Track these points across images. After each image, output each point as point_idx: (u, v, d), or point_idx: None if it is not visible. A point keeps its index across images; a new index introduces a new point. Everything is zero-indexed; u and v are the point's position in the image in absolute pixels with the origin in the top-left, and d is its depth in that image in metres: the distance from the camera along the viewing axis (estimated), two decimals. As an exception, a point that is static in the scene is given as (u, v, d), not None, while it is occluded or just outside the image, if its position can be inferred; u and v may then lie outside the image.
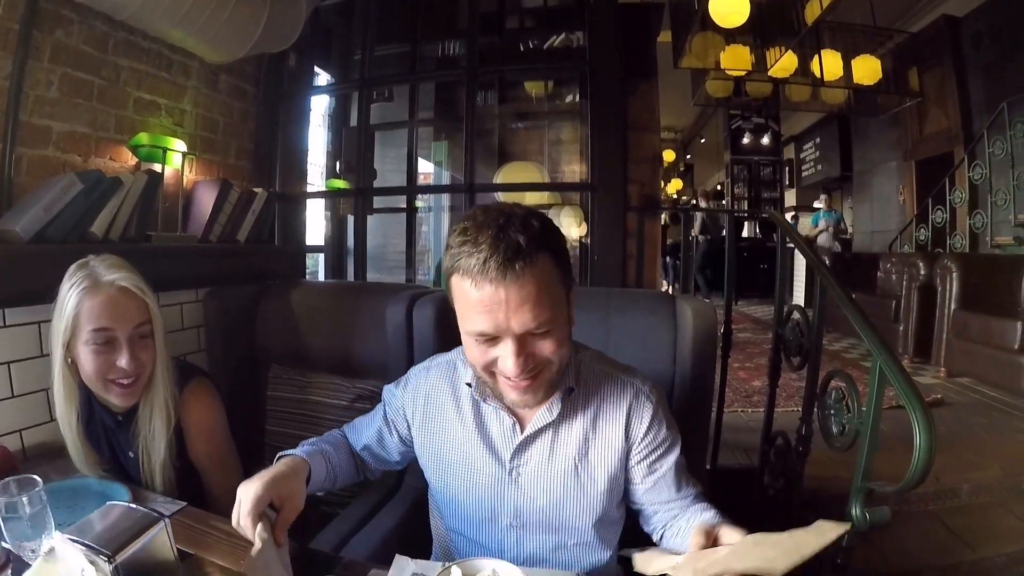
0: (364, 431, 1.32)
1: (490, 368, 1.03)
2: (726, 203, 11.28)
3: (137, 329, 1.35)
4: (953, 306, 4.45)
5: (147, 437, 1.40)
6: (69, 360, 1.34)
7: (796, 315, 2.17)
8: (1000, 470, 2.81)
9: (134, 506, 0.89)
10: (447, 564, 0.91)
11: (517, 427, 1.17)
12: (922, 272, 4.88)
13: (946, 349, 4.49)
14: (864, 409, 1.63)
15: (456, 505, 1.24)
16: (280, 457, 1.14)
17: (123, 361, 1.32)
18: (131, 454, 1.44)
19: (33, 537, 0.95)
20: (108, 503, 0.89)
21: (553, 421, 1.14)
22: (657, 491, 1.18)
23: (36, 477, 0.97)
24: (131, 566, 0.79)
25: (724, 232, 7.85)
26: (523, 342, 0.98)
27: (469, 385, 1.17)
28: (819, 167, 10.29)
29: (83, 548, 0.78)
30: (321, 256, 3.09)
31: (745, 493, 2.42)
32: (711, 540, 0.88)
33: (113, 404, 1.41)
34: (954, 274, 4.47)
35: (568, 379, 1.14)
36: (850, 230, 9.14)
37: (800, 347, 2.10)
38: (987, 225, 5.29)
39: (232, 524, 0.97)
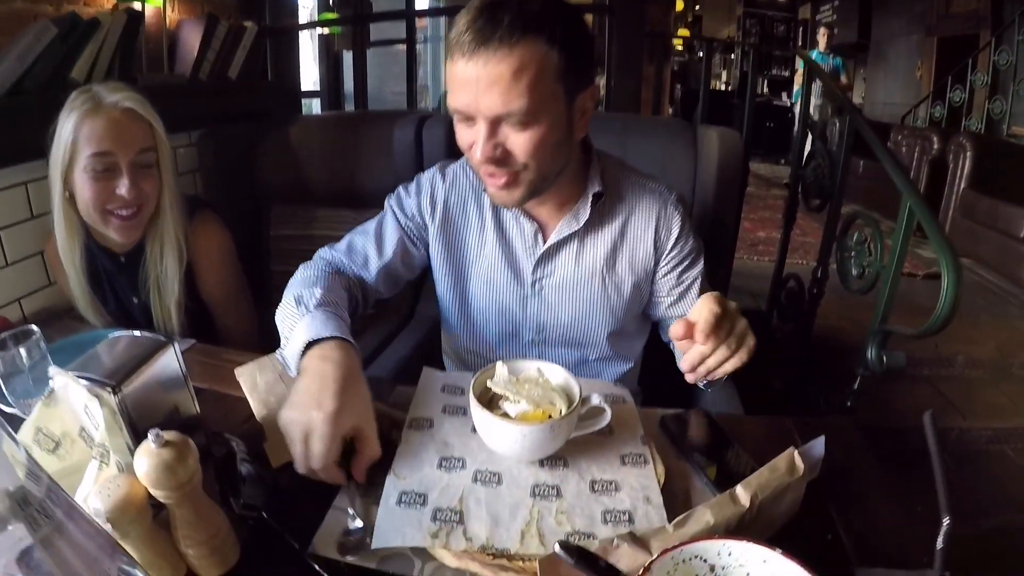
0: (375, 253, 1.15)
1: (471, 153, 0.95)
2: (735, 58, 10.89)
3: (140, 155, 1.25)
4: (963, 185, 4.38)
5: (159, 276, 1.34)
6: (67, 193, 1.24)
7: (818, 157, 2.08)
8: (995, 349, 2.87)
9: (139, 333, 0.81)
10: (488, 366, 0.86)
11: (540, 236, 1.11)
12: (935, 147, 4.76)
13: (950, 227, 4.44)
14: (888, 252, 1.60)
15: (474, 321, 1.20)
16: (311, 345, 0.87)
17: (123, 189, 1.23)
18: (136, 299, 1.38)
19: (36, 394, 0.88)
20: (112, 334, 0.82)
21: (579, 230, 1.09)
22: (680, 305, 1.15)
23: (33, 327, 0.90)
24: (138, 396, 0.73)
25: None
26: (494, 128, 0.91)
27: (495, 202, 1.10)
28: (835, 31, 9.85)
29: (85, 383, 0.70)
30: (316, 102, 2.92)
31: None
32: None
33: (113, 242, 1.33)
34: (968, 153, 4.36)
35: (594, 184, 1.07)
36: (858, 99, 8.61)
37: (821, 188, 2.03)
38: (1006, 113, 5.16)
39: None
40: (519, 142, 0.92)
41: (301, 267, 1.11)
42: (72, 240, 1.29)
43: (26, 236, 1.46)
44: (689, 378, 0.85)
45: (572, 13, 0.93)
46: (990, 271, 4.03)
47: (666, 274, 1.13)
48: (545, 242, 1.11)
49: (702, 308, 0.79)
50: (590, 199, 1.07)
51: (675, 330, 0.80)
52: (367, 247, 1.16)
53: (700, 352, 0.81)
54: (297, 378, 0.84)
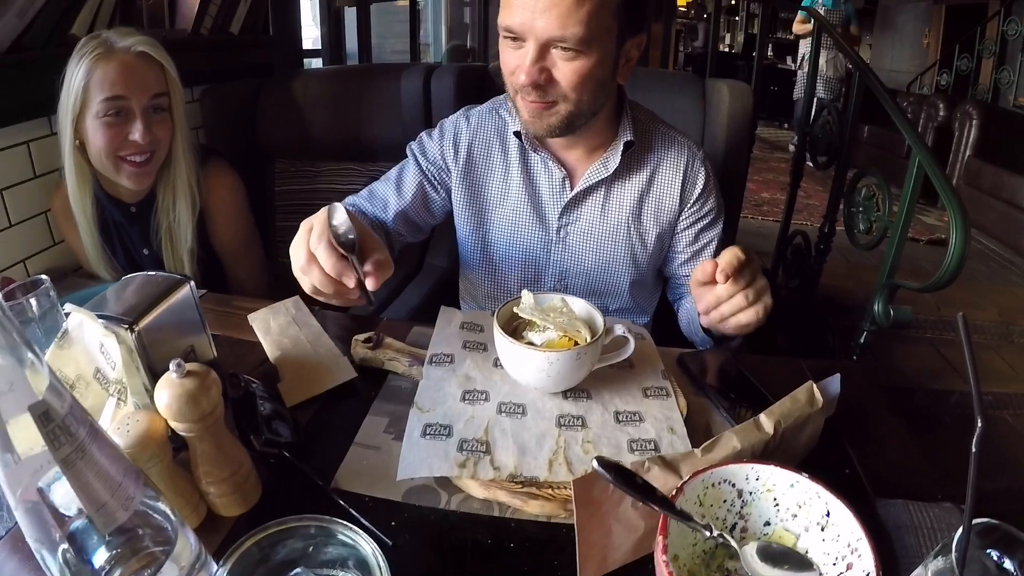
0: (394, 196, 1.17)
1: (513, 78, 0.95)
2: (739, 20, 10.76)
3: (154, 100, 1.24)
4: (968, 153, 4.36)
5: (171, 224, 1.33)
6: (78, 142, 1.22)
7: (827, 113, 2.07)
8: (997, 315, 2.89)
9: (153, 273, 0.79)
10: (512, 297, 0.86)
11: (567, 182, 1.11)
12: (941, 113, 4.74)
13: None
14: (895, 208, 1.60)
15: (496, 267, 1.20)
16: None
17: (137, 134, 1.21)
18: (146, 251, 1.37)
19: (47, 345, 0.87)
20: (126, 276, 0.80)
21: (608, 177, 1.09)
22: (693, 264, 1.16)
23: (43, 276, 0.88)
24: (155, 334, 0.70)
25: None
26: (543, 51, 0.90)
27: (518, 135, 1.09)
28: None
29: (101, 321, 0.68)
30: (317, 62, 2.87)
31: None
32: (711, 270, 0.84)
33: (124, 191, 1.32)
34: (974, 121, 4.34)
35: (626, 132, 1.07)
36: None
37: (829, 145, 2.03)
38: (1013, 83, 5.11)
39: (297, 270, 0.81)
40: (565, 71, 0.92)
41: None
42: (83, 190, 1.27)
43: (29, 196, 1.43)
44: (703, 320, 0.88)
45: None
46: (993, 240, 4.04)
47: (685, 228, 1.14)
48: (572, 188, 1.10)
49: (726, 253, 0.83)
50: (621, 147, 1.07)
51: (698, 272, 0.85)
52: (387, 191, 1.17)
53: (717, 295, 0.84)
54: None
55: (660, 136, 1.12)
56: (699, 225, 1.14)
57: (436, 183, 1.18)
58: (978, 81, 5.53)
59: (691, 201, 1.12)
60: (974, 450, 0.43)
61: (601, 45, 0.91)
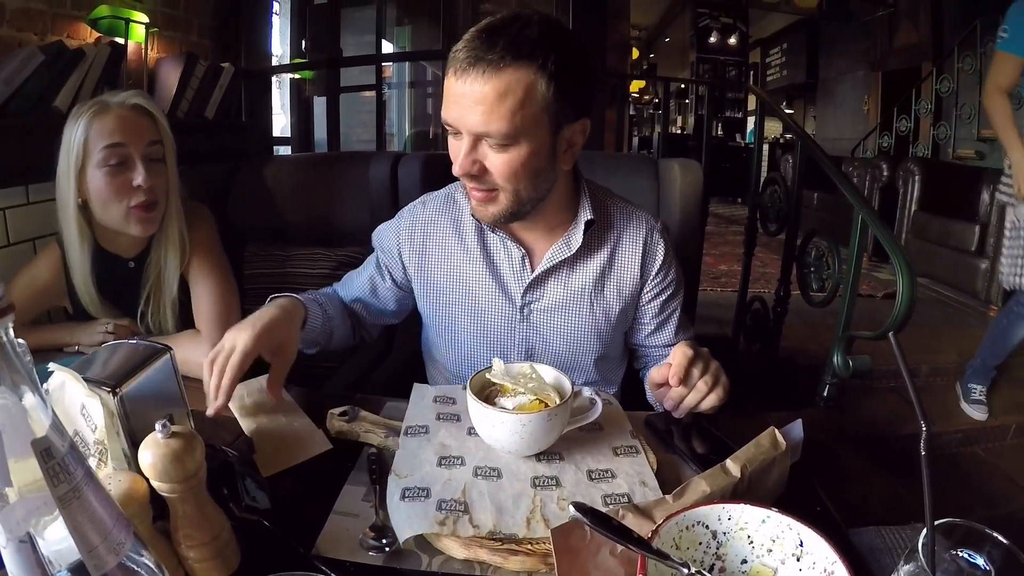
0: (354, 283, 1.25)
1: (454, 167, 0.99)
2: (689, 102, 11.22)
3: (150, 148, 1.26)
4: (914, 208, 4.55)
5: (160, 273, 1.33)
6: (81, 200, 1.24)
7: (775, 184, 2.18)
8: (957, 356, 2.94)
9: (135, 341, 0.81)
10: (483, 369, 0.90)
11: (527, 261, 1.12)
12: (885, 174, 4.96)
13: (905, 248, 4.57)
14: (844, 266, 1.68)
15: (461, 349, 1.20)
16: (272, 299, 1.05)
17: (140, 178, 1.23)
18: (142, 307, 1.36)
19: None
20: (109, 343, 0.81)
21: (570, 256, 1.11)
22: (659, 334, 1.19)
23: (20, 340, 0.89)
24: (136, 400, 0.72)
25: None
26: (475, 144, 0.94)
27: (475, 216, 1.10)
28: (784, 72, 10.42)
29: (83, 384, 0.69)
30: (286, 150, 2.94)
31: (720, 359, 2.60)
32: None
33: (124, 245, 1.33)
34: (916, 177, 4.55)
35: (586, 211, 1.09)
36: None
37: (778, 213, 2.12)
38: (950, 137, 5.39)
39: (204, 376, 0.91)
40: (496, 163, 0.95)
41: None
42: (84, 249, 1.28)
43: (3, 265, 1.45)
44: (676, 414, 0.94)
45: (571, 45, 0.94)
46: (946, 286, 4.17)
47: (650, 300, 1.16)
48: (533, 268, 1.12)
49: (676, 354, 0.92)
50: (582, 226, 1.08)
51: (655, 376, 0.94)
52: (353, 279, 1.27)
53: (679, 393, 0.92)
54: None
55: (618, 211, 1.15)
56: (663, 296, 1.16)
57: (389, 274, 1.22)
58: (918, 139, 5.82)
59: (652, 273, 1.15)
60: (923, 452, 0.46)
61: (531, 137, 0.93)
